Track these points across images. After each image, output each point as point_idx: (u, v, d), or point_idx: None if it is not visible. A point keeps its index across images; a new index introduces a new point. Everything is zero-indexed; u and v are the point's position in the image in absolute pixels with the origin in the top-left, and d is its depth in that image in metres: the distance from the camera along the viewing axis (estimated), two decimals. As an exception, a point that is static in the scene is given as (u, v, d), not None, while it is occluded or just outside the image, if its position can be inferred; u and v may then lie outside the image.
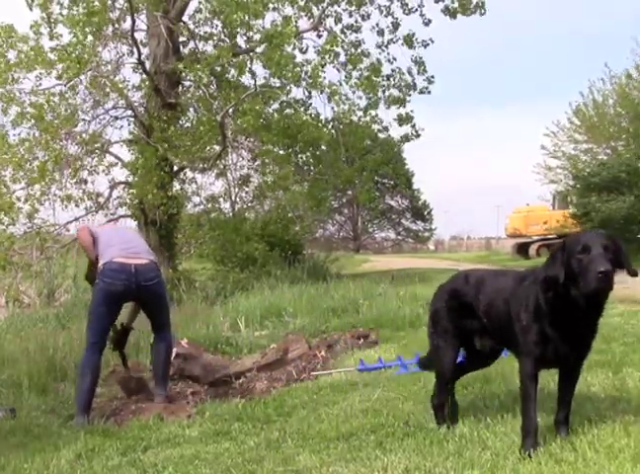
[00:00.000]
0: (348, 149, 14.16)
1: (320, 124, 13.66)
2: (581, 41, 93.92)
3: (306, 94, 13.34)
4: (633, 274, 2.57)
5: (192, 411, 4.30)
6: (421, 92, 13.63)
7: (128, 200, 12.65)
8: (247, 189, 15.19)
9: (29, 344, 6.11)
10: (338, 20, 13.57)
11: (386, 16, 13.71)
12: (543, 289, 2.63)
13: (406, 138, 14.01)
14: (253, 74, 12.57)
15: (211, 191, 14.91)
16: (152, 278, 4.50)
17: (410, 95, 13.41)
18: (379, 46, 13.82)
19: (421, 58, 13.57)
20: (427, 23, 13.78)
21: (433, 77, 13.69)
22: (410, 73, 13.50)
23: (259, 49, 12.22)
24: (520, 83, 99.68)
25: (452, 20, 13.39)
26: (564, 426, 2.70)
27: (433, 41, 13.70)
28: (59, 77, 11.32)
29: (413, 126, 13.73)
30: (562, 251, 2.57)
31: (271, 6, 11.77)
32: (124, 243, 4.58)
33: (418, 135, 13.95)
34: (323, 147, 14.54)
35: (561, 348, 2.59)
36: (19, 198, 11.41)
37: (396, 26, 13.71)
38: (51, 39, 11.50)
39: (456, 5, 13.18)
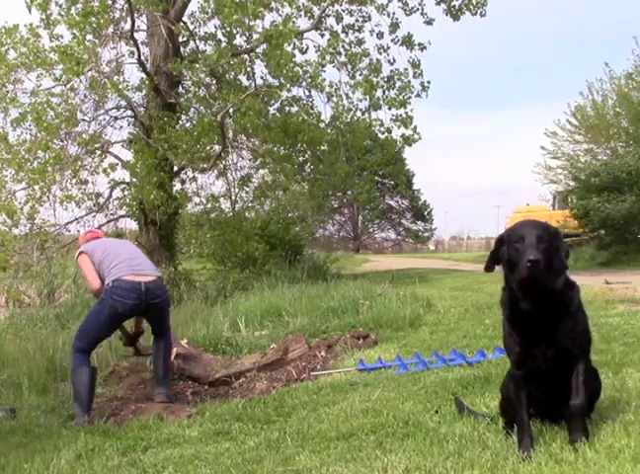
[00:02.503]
0: (349, 149, 14.14)
1: (321, 124, 13.66)
2: (581, 41, 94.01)
3: (306, 93, 13.37)
4: (563, 267, 2.57)
5: (192, 411, 4.31)
6: (417, 95, 13.61)
7: (128, 201, 12.65)
8: (247, 188, 15.21)
9: (29, 344, 6.12)
10: (339, 19, 13.56)
11: (388, 16, 13.70)
12: (503, 287, 2.68)
13: (407, 140, 13.94)
14: (253, 74, 12.60)
15: (212, 191, 14.93)
16: (160, 296, 4.54)
17: (410, 96, 13.40)
18: (379, 49, 13.82)
19: (418, 61, 13.58)
20: (429, 22, 13.77)
21: (428, 82, 13.65)
22: (406, 75, 13.48)
23: (259, 49, 12.23)
24: (519, 83, 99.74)
25: (455, 21, 13.39)
26: (575, 420, 2.53)
27: (430, 44, 13.68)
28: (59, 78, 11.31)
29: (414, 129, 13.71)
30: (500, 242, 2.62)
31: (271, 6, 11.78)
32: (132, 259, 4.58)
33: (419, 138, 13.91)
34: (323, 147, 14.53)
35: (529, 344, 2.57)
36: (20, 202, 11.43)
37: (395, 27, 13.68)
38: (51, 39, 11.52)
39: (460, 2, 13.12)
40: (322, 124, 13.88)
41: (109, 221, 13.05)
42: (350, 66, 13.12)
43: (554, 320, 2.55)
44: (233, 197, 14.98)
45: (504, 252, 2.59)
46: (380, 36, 13.82)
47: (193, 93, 13.37)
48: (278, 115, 13.53)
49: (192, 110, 13.58)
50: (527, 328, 2.57)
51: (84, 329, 4.57)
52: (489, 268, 2.67)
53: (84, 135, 11.86)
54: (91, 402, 4.36)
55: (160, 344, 4.76)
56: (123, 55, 12.60)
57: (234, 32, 12.31)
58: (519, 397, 2.60)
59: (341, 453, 2.88)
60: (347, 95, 13.02)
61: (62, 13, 11.20)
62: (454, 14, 13.26)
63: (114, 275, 4.45)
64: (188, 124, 13.56)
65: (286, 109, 13.50)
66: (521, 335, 2.59)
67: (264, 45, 11.64)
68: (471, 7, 13.16)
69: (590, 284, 9.21)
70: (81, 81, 11.32)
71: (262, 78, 12.90)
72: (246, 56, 12.62)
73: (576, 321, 2.62)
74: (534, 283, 2.46)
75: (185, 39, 13.41)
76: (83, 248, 4.84)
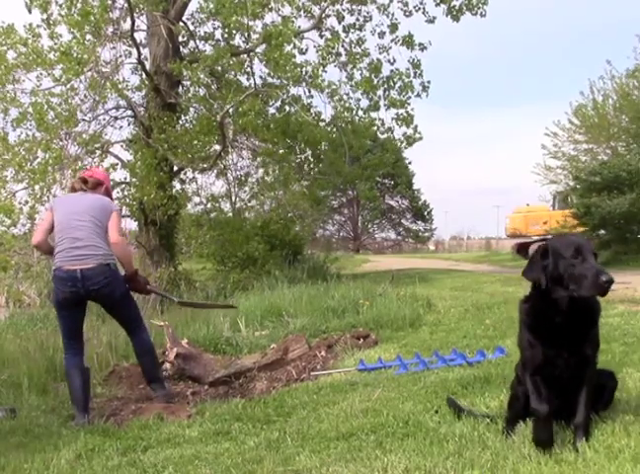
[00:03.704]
0: (351, 147, 14.13)
1: (321, 124, 13.66)
2: (581, 41, 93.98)
3: (306, 93, 13.37)
4: None
5: (192, 411, 4.30)
6: (417, 95, 13.60)
7: (128, 201, 12.66)
8: (247, 188, 15.21)
9: (29, 344, 6.11)
10: (340, 19, 13.55)
11: (387, 16, 13.70)
12: (526, 297, 2.68)
13: (408, 140, 13.94)
14: (252, 74, 12.60)
15: (211, 191, 14.94)
16: (99, 282, 4.35)
17: (410, 97, 13.40)
18: (381, 48, 13.81)
19: (419, 60, 13.58)
20: (431, 20, 13.75)
21: (429, 82, 13.67)
22: (407, 75, 13.48)
23: (259, 49, 12.23)
24: (520, 83, 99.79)
25: (455, 22, 13.38)
26: (580, 430, 2.56)
27: (431, 44, 13.69)
28: (59, 78, 11.31)
29: (415, 128, 13.70)
30: (543, 255, 2.58)
31: (270, 6, 11.77)
32: (74, 248, 4.35)
33: (420, 138, 13.91)
34: (323, 147, 14.53)
35: (553, 354, 2.57)
36: (20, 202, 11.42)
37: (394, 28, 13.67)
38: (51, 39, 11.51)
39: (460, 2, 13.11)
40: (322, 123, 13.88)
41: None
42: (350, 66, 13.13)
43: (584, 330, 2.57)
44: (233, 198, 15.00)
45: (548, 264, 2.55)
46: (382, 35, 13.83)
47: (193, 93, 13.38)
48: (277, 115, 13.53)
49: (192, 110, 13.59)
50: (554, 339, 2.57)
51: (59, 324, 4.60)
52: (538, 279, 2.56)
53: (84, 135, 11.85)
54: (87, 402, 4.33)
55: (138, 348, 4.67)
56: (123, 55, 12.63)
57: (233, 32, 12.30)
58: (538, 392, 2.58)
59: (341, 453, 2.88)
60: (347, 94, 13.05)
61: (62, 13, 11.21)
62: (455, 15, 13.25)
63: (55, 263, 4.42)
64: (188, 125, 13.56)
65: (286, 108, 13.50)
66: (546, 345, 2.58)
67: (263, 45, 11.64)
68: (471, 7, 13.14)
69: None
70: (81, 81, 11.33)
71: (261, 77, 12.92)
72: (245, 56, 12.63)
73: (598, 329, 2.65)
74: (589, 300, 2.49)
75: (185, 39, 13.42)
76: (53, 201, 4.91)
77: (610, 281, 2.37)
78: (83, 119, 12.06)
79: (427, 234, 54.63)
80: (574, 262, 2.47)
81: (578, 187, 18.00)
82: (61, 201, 4.80)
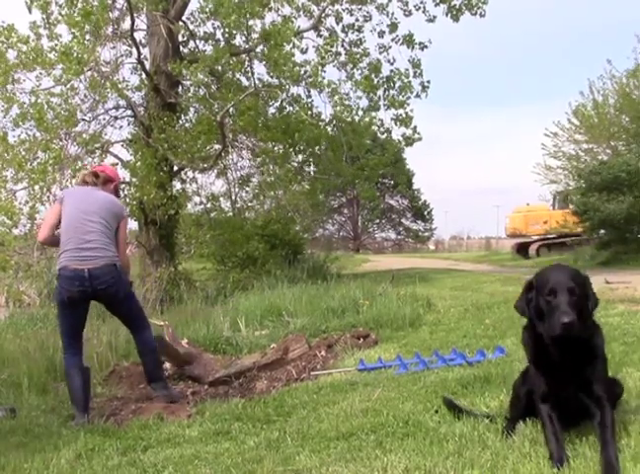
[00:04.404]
0: (351, 148, 14.12)
1: (321, 123, 13.65)
2: (582, 41, 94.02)
3: (306, 93, 13.37)
4: (590, 315, 2.57)
5: (192, 411, 4.30)
6: (416, 95, 13.58)
7: (128, 200, 12.65)
8: (247, 188, 15.21)
9: (29, 344, 6.10)
10: (339, 19, 13.55)
11: (387, 15, 13.69)
12: (524, 326, 2.70)
13: (407, 140, 13.92)
14: (252, 74, 12.59)
15: (211, 190, 14.94)
16: (106, 281, 4.38)
17: (410, 97, 13.40)
18: (381, 48, 13.81)
19: (419, 60, 13.57)
20: (431, 19, 13.74)
21: (428, 82, 13.66)
22: (407, 75, 13.47)
23: (258, 49, 12.23)
24: (520, 83, 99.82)
25: (455, 22, 13.39)
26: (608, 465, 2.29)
27: (431, 42, 13.70)
28: (59, 78, 11.31)
29: (414, 129, 13.69)
30: (528, 289, 2.61)
31: (270, 6, 11.77)
32: (81, 249, 4.39)
33: (419, 138, 13.90)
34: (323, 146, 14.53)
35: (557, 387, 2.56)
36: (20, 202, 11.43)
37: (394, 27, 13.67)
38: (51, 39, 11.51)
39: (460, 1, 13.10)
40: (321, 123, 13.87)
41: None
42: (350, 66, 13.12)
43: (581, 365, 2.53)
44: (233, 197, 15.00)
45: (532, 298, 2.56)
46: (381, 35, 13.83)
47: (193, 93, 13.37)
48: (277, 115, 13.53)
49: (192, 110, 13.59)
50: (554, 372, 2.55)
51: (59, 324, 4.61)
52: (524, 312, 2.62)
53: (84, 135, 11.85)
54: (87, 402, 4.33)
55: (141, 347, 4.68)
56: (123, 55, 12.63)
57: (233, 32, 12.30)
58: (545, 422, 2.54)
59: (341, 453, 2.88)
60: (347, 94, 13.03)
61: (62, 13, 11.21)
62: (454, 14, 13.24)
63: (60, 262, 4.44)
64: (188, 124, 13.56)
65: (286, 108, 13.50)
66: (548, 377, 2.57)
67: (263, 45, 11.64)
68: (471, 7, 13.14)
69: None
70: (81, 81, 11.33)
71: (259, 79, 12.91)
72: (245, 56, 12.62)
73: (601, 364, 2.60)
74: (567, 340, 2.45)
75: (185, 38, 13.42)
76: (63, 193, 4.90)
77: (568, 323, 2.35)
78: (83, 119, 12.08)
79: (427, 234, 54.68)
80: (549, 299, 2.48)
81: (579, 186, 17.99)
82: (71, 194, 4.84)
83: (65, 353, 4.47)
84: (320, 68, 11.85)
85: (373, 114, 13.64)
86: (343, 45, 13.30)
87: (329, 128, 14.08)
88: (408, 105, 13.33)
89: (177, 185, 13.49)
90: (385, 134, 14.36)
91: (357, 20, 13.73)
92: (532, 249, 24.14)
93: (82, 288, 4.34)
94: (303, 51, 12.99)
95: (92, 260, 4.37)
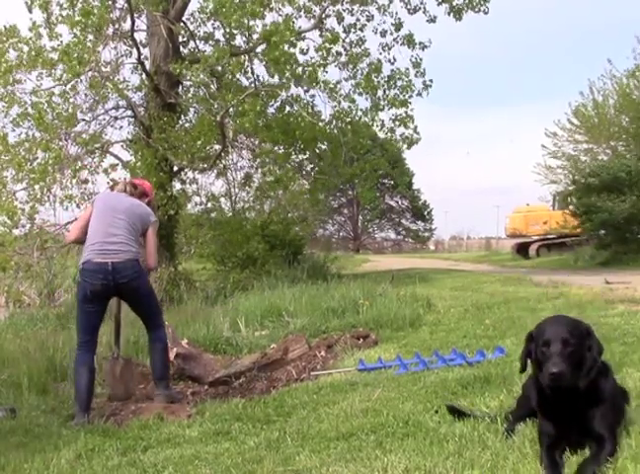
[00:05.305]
0: (352, 148, 14.11)
1: (320, 123, 13.65)
2: (583, 40, 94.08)
3: (306, 93, 13.36)
4: (594, 364, 2.55)
5: (192, 411, 4.30)
6: (418, 94, 13.56)
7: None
8: (248, 188, 15.21)
9: (29, 344, 6.11)
10: (340, 19, 13.54)
11: (389, 15, 13.67)
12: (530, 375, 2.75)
13: (408, 141, 13.90)
14: (252, 74, 12.60)
15: (211, 190, 14.93)
16: (129, 275, 4.43)
17: (411, 96, 13.39)
18: (382, 47, 13.80)
19: (420, 59, 13.56)
20: (432, 19, 13.74)
21: (431, 81, 13.65)
22: (407, 75, 13.45)
23: (259, 49, 12.23)
24: (520, 82, 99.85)
25: (457, 21, 13.37)
26: None
27: (431, 42, 13.69)
28: (60, 78, 11.31)
29: (414, 129, 13.68)
30: (530, 339, 2.65)
31: (271, 6, 11.77)
32: (106, 242, 4.44)
33: (419, 139, 13.88)
34: (323, 146, 14.52)
35: (561, 432, 2.54)
36: (20, 202, 11.42)
37: (398, 26, 13.66)
38: (51, 39, 11.51)
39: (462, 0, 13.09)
40: (321, 123, 13.86)
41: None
42: (351, 66, 13.12)
43: (583, 410, 2.52)
44: (233, 197, 15.00)
45: (532, 349, 2.61)
46: (384, 34, 13.79)
47: (193, 93, 13.38)
48: (277, 115, 13.52)
49: (192, 110, 13.59)
50: (557, 417, 2.56)
51: (76, 320, 4.62)
52: (523, 368, 2.69)
53: (84, 135, 11.86)
54: (89, 402, 4.34)
55: (155, 344, 4.71)
56: (123, 55, 12.63)
57: (233, 32, 12.30)
58: (545, 463, 2.47)
59: (341, 453, 2.88)
60: (347, 94, 13.03)
61: (63, 13, 11.22)
62: (456, 12, 13.22)
63: (85, 257, 4.46)
64: (188, 125, 13.56)
65: (286, 108, 13.49)
66: (552, 422, 2.58)
67: (263, 45, 11.64)
68: (472, 6, 13.12)
69: (590, 284, 9.22)
70: (81, 81, 11.33)
71: (258, 79, 12.91)
72: (245, 56, 12.62)
73: (607, 407, 2.56)
74: (559, 389, 2.48)
75: (185, 39, 13.41)
76: (95, 198, 5.09)
77: (556, 373, 2.40)
78: (83, 119, 12.09)
79: (427, 234, 54.72)
80: (543, 350, 2.52)
81: (578, 187, 18.00)
82: (103, 197, 5.02)
83: (79, 349, 4.47)
84: (322, 69, 11.86)
85: (375, 113, 13.63)
86: (343, 46, 13.30)
87: (328, 129, 14.06)
88: (410, 103, 13.33)
89: (177, 185, 13.51)
90: (385, 135, 14.34)
91: (357, 20, 13.74)
92: (532, 249, 24.17)
93: (105, 282, 4.36)
94: (304, 52, 13.01)
95: (115, 254, 4.41)
